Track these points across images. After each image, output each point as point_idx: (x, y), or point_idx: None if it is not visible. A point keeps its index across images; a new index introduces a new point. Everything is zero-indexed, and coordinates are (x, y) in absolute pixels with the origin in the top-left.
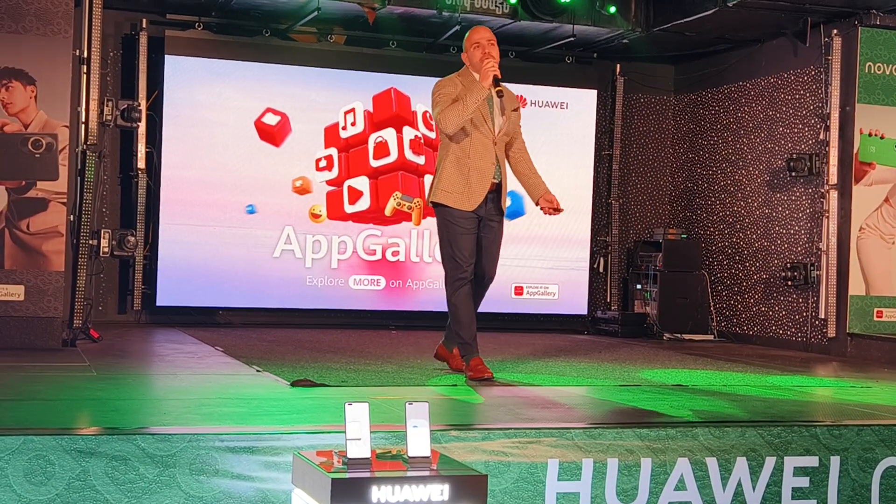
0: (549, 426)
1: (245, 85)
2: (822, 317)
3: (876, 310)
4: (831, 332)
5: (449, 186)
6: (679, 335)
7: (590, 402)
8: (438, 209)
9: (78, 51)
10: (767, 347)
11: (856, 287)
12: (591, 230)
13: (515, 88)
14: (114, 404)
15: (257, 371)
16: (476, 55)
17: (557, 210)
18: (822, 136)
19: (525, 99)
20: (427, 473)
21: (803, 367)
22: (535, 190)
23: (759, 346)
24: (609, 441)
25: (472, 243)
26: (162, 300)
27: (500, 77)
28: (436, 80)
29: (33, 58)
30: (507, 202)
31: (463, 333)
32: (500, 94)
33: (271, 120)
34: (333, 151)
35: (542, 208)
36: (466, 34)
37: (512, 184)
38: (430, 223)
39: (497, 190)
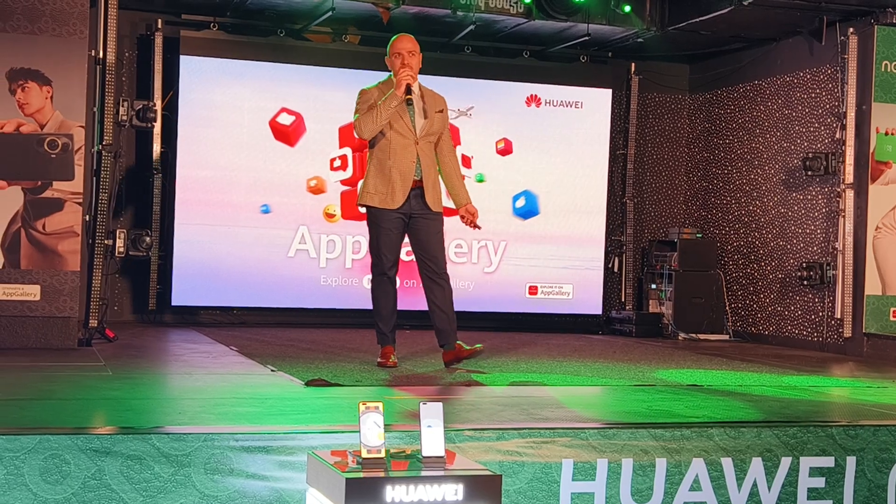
0: (564, 426)
1: (260, 85)
2: (838, 316)
3: (892, 309)
4: (847, 332)
5: (373, 188)
6: (694, 335)
7: (604, 402)
8: (367, 210)
9: (93, 51)
10: (783, 347)
11: (872, 287)
12: (606, 230)
13: (530, 88)
14: (129, 404)
15: (272, 371)
16: (395, 63)
17: (475, 226)
18: (838, 136)
19: (539, 98)
20: (441, 473)
21: (819, 367)
22: (458, 199)
23: (774, 346)
24: (624, 441)
25: (394, 242)
26: (177, 300)
27: (412, 86)
28: (450, 79)
29: (49, 58)
30: (435, 197)
31: (381, 324)
32: (408, 103)
33: (286, 120)
34: (348, 151)
35: (461, 217)
36: (391, 39)
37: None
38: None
39: (419, 187)
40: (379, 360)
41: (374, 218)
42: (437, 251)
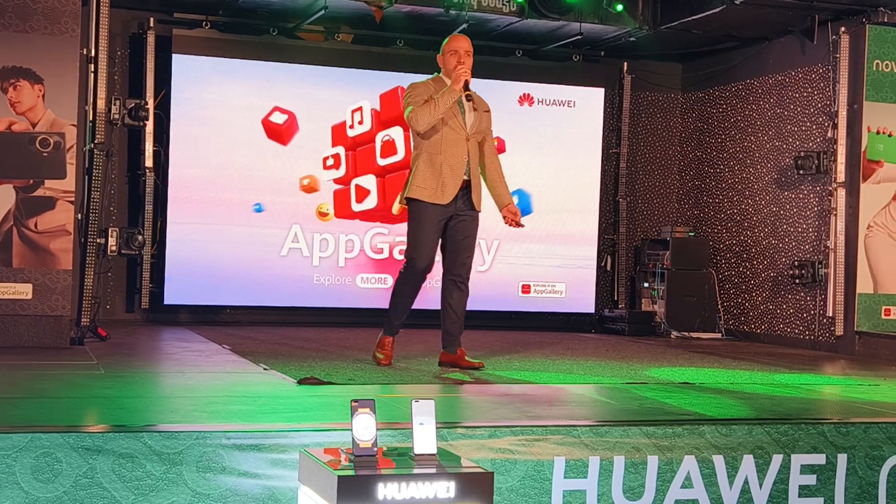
0: (556, 424)
1: (252, 84)
2: (830, 315)
3: (884, 308)
4: (839, 331)
5: (423, 182)
6: (686, 333)
7: (597, 400)
8: (412, 204)
9: (85, 50)
10: (775, 345)
11: (864, 285)
12: (599, 228)
13: (522, 87)
14: (121, 402)
15: (264, 369)
16: (451, 61)
17: (519, 224)
18: (829, 134)
19: (532, 97)
20: (433, 471)
21: (811, 365)
22: (501, 199)
23: (766, 345)
24: (616, 439)
25: (434, 239)
26: (169, 298)
27: (469, 83)
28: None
29: (41, 57)
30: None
31: (394, 318)
32: (468, 98)
33: (279, 118)
34: (341, 150)
35: (504, 217)
36: (446, 39)
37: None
38: None
39: (467, 187)
40: (376, 350)
41: (419, 212)
42: (468, 256)
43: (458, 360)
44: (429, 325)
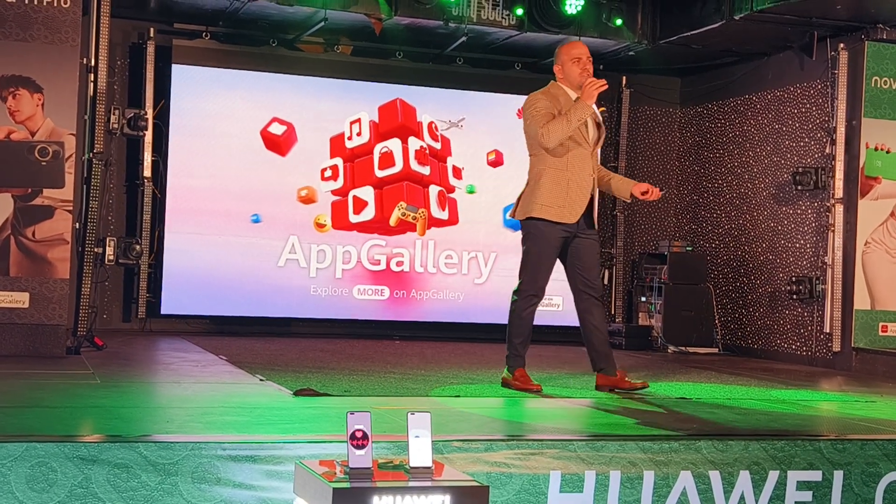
0: (552, 438)
1: (251, 94)
2: (827, 331)
3: (881, 324)
4: (836, 347)
5: (549, 200)
6: (683, 348)
7: (592, 414)
8: (531, 223)
9: (85, 59)
10: (772, 361)
11: (861, 301)
12: None
13: (521, 100)
14: (117, 412)
15: (260, 380)
16: (574, 70)
17: (656, 192)
18: (827, 150)
19: None
20: (428, 484)
21: (808, 381)
22: (626, 185)
23: (763, 360)
24: (612, 453)
25: (553, 261)
26: (166, 308)
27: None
28: (442, 90)
29: (41, 66)
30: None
31: (520, 346)
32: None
33: (277, 129)
34: (339, 161)
35: (643, 194)
36: (560, 46)
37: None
38: (434, 233)
39: (591, 204)
40: (516, 383)
41: (541, 232)
42: (596, 272)
43: (619, 383)
44: (424, 336)
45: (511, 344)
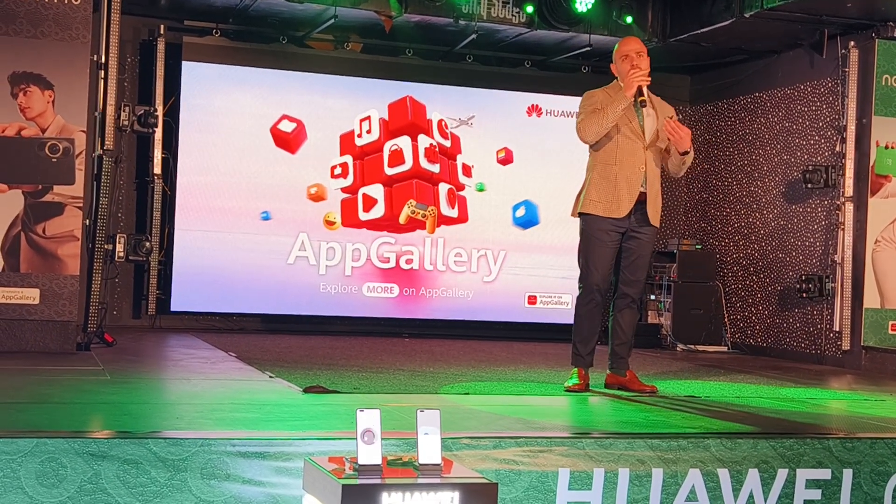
0: (561, 435)
1: (261, 92)
2: (837, 329)
3: (891, 323)
4: (846, 345)
5: (597, 196)
6: (692, 346)
7: (601, 412)
8: (583, 218)
9: (96, 56)
10: (781, 359)
11: (871, 300)
12: None
13: (531, 98)
14: (127, 408)
15: (270, 377)
16: (625, 67)
17: (678, 131)
18: (838, 149)
19: (541, 108)
20: (437, 481)
21: (817, 379)
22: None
23: (772, 358)
24: (620, 451)
25: (608, 256)
26: (176, 305)
27: (647, 86)
28: (452, 88)
29: (51, 63)
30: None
31: (580, 346)
32: (642, 104)
33: (287, 127)
34: (348, 159)
35: (672, 134)
36: (616, 45)
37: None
38: (444, 231)
39: (643, 200)
40: (568, 383)
41: (591, 227)
42: (641, 273)
43: (628, 384)
44: (433, 334)
45: (574, 344)
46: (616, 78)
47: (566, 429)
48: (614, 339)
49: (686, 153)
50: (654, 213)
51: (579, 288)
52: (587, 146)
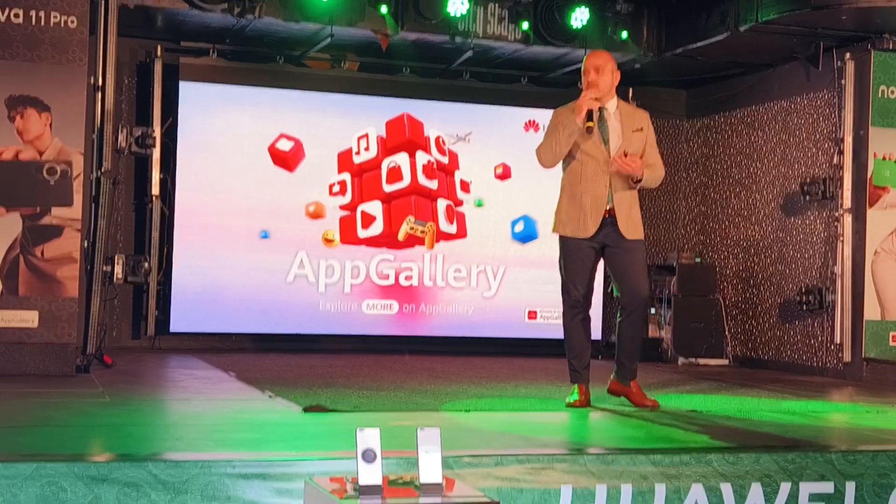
0: (562, 452)
1: (259, 111)
2: (838, 341)
3: (892, 334)
4: (847, 357)
5: (566, 216)
6: (693, 359)
7: (603, 428)
8: (559, 238)
9: (93, 78)
10: (782, 372)
11: (871, 311)
12: None
13: (528, 113)
14: (127, 430)
15: (270, 397)
16: (584, 83)
17: (627, 165)
18: (835, 161)
19: (538, 123)
20: (439, 500)
21: (819, 391)
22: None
23: (774, 371)
24: (622, 467)
25: (584, 273)
26: (175, 326)
27: (596, 109)
28: (449, 105)
29: (48, 85)
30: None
31: (573, 361)
32: (588, 131)
33: (285, 145)
34: (347, 176)
35: (622, 165)
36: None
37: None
38: (443, 247)
39: (612, 216)
40: (569, 399)
41: (565, 247)
42: (636, 282)
43: (630, 396)
44: (434, 351)
45: (569, 361)
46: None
47: (568, 445)
48: (620, 349)
49: (639, 181)
50: (628, 227)
51: (563, 306)
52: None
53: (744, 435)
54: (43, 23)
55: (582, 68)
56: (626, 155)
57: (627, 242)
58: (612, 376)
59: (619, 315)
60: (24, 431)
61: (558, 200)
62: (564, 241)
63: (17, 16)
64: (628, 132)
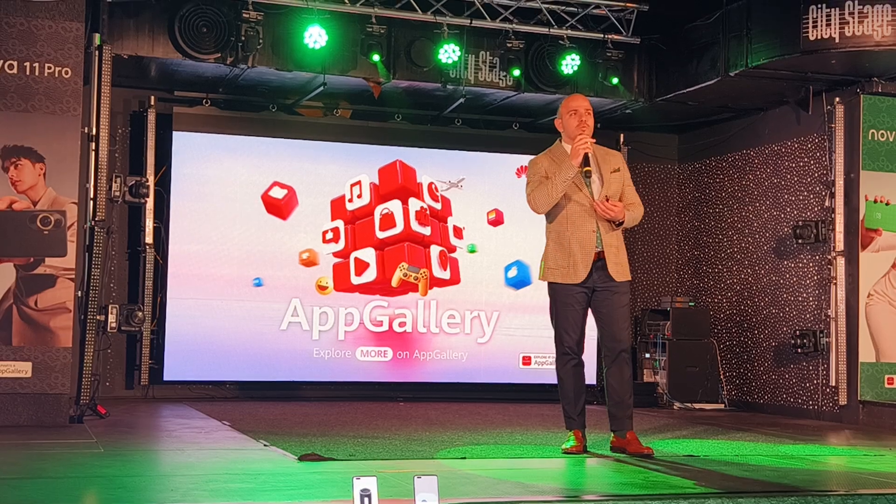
0: (559, 499)
1: (252, 159)
2: (833, 384)
3: (887, 377)
4: (843, 400)
5: (554, 263)
6: (689, 404)
7: (600, 474)
8: (548, 286)
9: (86, 128)
10: (779, 416)
11: (866, 354)
12: None
13: (520, 159)
14: (121, 481)
15: (265, 446)
16: (572, 123)
17: (609, 210)
18: (827, 203)
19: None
20: None
21: (815, 435)
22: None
23: (770, 415)
24: None
25: (577, 319)
26: (169, 375)
27: (593, 152)
28: (441, 151)
29: (42, 136)
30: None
31: (567, 407)
32: (587, 175)
33: (278, 193)
34: (340, 223)
35: (603, 211)
36: (563, 100)
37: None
38: (436, 293)
39: (601, 259)
40: (565, 445)
41: (556, 294)
42: (619, 328)
43: (627, 446)
44: (428, 398)
45: (563, 408)
46: (559, 136)
47: (565, 492)
48: (608, 400)
49: (621, 223)
50: (616, 269)
51: (556, 350)
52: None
53: (742, 480)
54: (37, 73)
55: (565, 109)
56: (607, 199)
57: (616, 285)
58: (611, 433)
59: (605, 363)
60: (17, 484)
61: (545, 248)
62: (554, 289)
63: (11, 67)
64: (607, 174)
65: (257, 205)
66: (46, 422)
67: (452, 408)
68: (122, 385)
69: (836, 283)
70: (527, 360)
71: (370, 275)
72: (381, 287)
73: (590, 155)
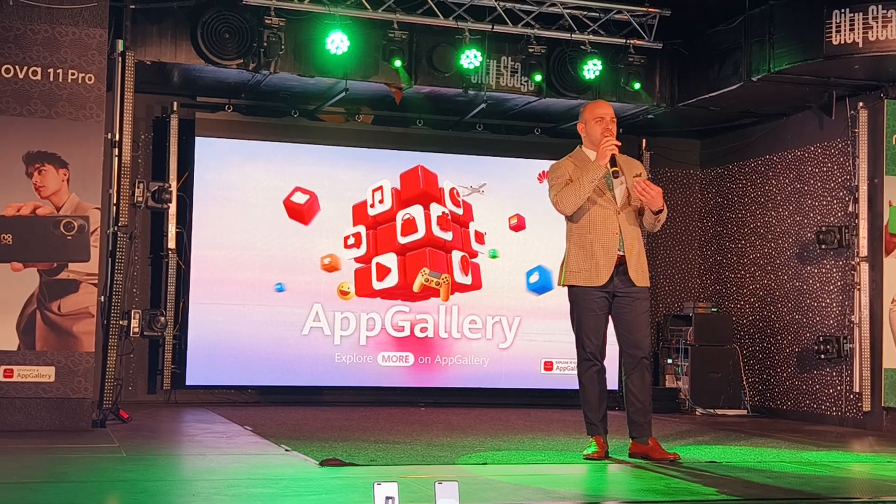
0: None
1: (274, 165)
2: (857, 390)
3: None
4: (866, 406)
5: (576, 266)
6: (712, 410)
7: (622, 480)
8: (569, 290)
9: (110, 134)
10: (802, 422)
11: (890, 360)
12: None
13: (541, 164)
14: (143, 486)
15: (286, 451)
16: (597, 130)
17: (650, 189)
18: (850, 209)
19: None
20: None
21: (839, 441)
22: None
23: (793, 421)
24: None
25: (599, 323)
26: (191, 379)
27: (617, 155)
28: (463, 157)
29: (66, 141)
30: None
31: (589, 413)
32: (615, 175)
33: (300, 199)
34: (361, 229)
35: (642, 195)
36: (585, 106)
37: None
38: (458, 299)
39: (623, 262)
40: (587, 451)
41: (577, 298)
42: (640, 334)
43: (650, 452)
44: (450, 403)
45: (584, 413)
46: (580, 141)
47: (586, 498)
48: (628, 407)
49: (660, 211)
50: (638, 273)
51: (577, 355)
52: (566, 217)
53: (764, 487)
54: (61, 80)
55: (590, 115)
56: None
57: (637, 291)
58: (630, 439)
59: (625, 369)
60: (39, 488)
61: (566, 252)
62: (575, 292)
63: (35, 73)
64: (629, 178)
65: (279, 210)
66: (69, 426)
67: (474, 413)
68: (144, 390)
69: (859, 289)
70: (548, 366)
71: (392, 280)
72: (402, 292)
73: (616, 156)
